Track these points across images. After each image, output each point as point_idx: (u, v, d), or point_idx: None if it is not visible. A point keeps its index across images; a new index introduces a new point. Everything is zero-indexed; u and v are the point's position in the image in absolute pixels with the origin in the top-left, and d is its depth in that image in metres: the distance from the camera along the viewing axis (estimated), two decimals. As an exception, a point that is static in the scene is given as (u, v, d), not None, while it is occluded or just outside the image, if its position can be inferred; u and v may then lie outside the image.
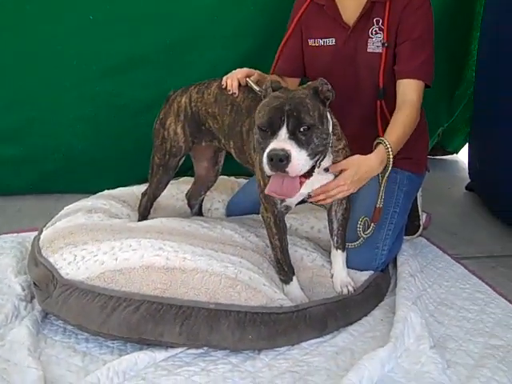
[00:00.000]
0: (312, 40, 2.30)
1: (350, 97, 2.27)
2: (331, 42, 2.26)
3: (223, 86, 2.09)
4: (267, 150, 1.58)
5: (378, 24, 2.17)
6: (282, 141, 1.58)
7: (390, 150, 1.94)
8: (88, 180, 3.06)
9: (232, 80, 2.07)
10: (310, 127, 1.62)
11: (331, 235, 2.05)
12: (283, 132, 1.60)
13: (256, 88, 2.01)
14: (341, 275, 2.02)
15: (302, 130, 1.61)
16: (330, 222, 2.04)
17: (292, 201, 1.89)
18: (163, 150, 2.22)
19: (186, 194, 2.53)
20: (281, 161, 1.56)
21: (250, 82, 2.05)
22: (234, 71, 2.11)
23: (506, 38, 2.67)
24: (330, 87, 1.77)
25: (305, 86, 1.79)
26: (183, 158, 2.27)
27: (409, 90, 2.13)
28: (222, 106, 2.06)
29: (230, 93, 2.06)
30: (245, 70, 2.09)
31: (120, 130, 3.01)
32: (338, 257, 2.05)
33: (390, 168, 1.97)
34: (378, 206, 2.08)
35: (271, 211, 1.89)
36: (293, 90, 1.73)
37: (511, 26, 2.63)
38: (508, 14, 2.66)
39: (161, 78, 2.88)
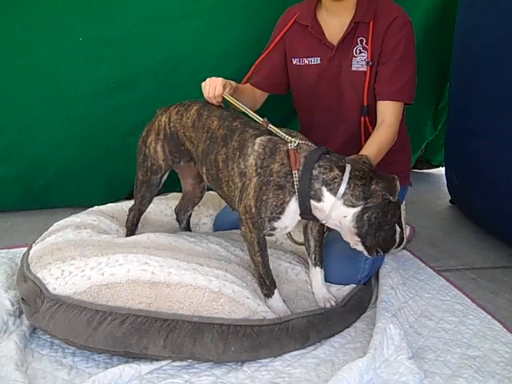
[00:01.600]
0: (296, 59, 2.36)
1: (335, 113, 2.34)
2: (316, 61, 2.31)
3: (204, 93, 2.13)
4: (398, 231, 1.89)
5: (361, 43, 2.23)
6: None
7: None
8: (78, 197, 3.09)
9: (209, 92, 2.11)
10: None
11: (308, 253, 2.10)
12: None
13: (232, 101, 2.08)
14: (322, 291, 2.06)
15: None
16: (307, 240, 2.09)
17: (280, 233, 1.99)
18: (145, 167, 2.27)
19: (175, 210, 2.57)
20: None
21: (227, 96, 2.10)
22: (212, 79, 2.14)
23: (475, 52, 2.73)
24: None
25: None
26: (165, 175, 2.30)
27: (388, 112, 2.19)
28: (198, 132, 2.10)
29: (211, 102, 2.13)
30: (221, 83, 2.11)
31: (109, 150, 3.04)
32: (318, 274, 2.09)
33: None
34: None
35: (256, 233, 1.92)
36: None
37: (479, 37, 2.68)
38: (477, 25, 2.71)
39: (149, 99, 2.90)
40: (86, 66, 2.84)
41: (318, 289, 2.08)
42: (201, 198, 2.50)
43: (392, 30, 2.19)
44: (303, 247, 2.36)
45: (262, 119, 2.00)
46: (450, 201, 3.37)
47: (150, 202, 2.36)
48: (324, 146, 1.89)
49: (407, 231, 2.69)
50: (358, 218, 1.80)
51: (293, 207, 1.85)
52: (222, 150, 2.00)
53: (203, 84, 2.16)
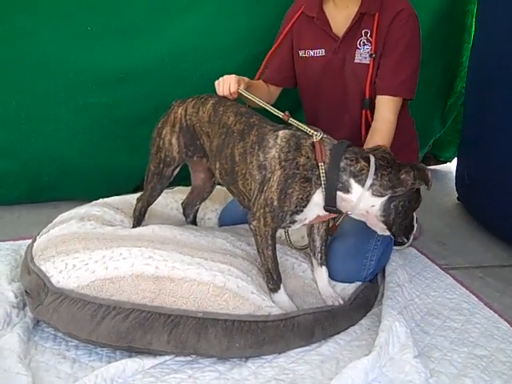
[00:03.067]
0: (302, 51, 2.35)
1: (339, 105, 2.33)
2: (321, 52, 2.30)
3: (218, 92, 2.15)
4: (416, 217, 1.98)
5: (366, 35, 2.22)
6: None
7: None
8: (83, 189, 3.08)
9: (224, 90, 2.14)
10: None
11: (314, 253, 2.10)
12: None
13: (249, 97, 2.10)
14: (328, 291, 2.06)
15: None
16: (312, 240, 2.09)
17: (297, 226, 1.98)
18: (158, 158, 2.25)
19: (182, 203, 2.55)
20: None
21: (244, 92, 2.13)
22: (224, 77, 2.16)
23: (496, 51, 2.69)
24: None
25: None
26: (178, 169, 2.29)
27: (387, 107, 2.18)
28: (214, 126, 2.10)
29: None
30: (235, 80, 2.13)
31: (115, 142, 3.03)
32: (323, 273, 2.09)
33: None
34: (336, 223, 2.19)
35: (272, 227, 1.91)
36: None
37: (501, 39, 2.65)
38: (498, 26, 2.69)
39: (156, 90, 2.89)
40: (93, 56, 2.83)
41: (325, 288, 2.07)
42: (210, 192, 2.49)
43: (397, 22, 2.18)
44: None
45: (282, 113, 2.00)
46: (458, 198, 3.34)
47: (159, 195, 2.35)
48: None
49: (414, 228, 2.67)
50: (386, 207, 1.84)
51: (316, 199, 1.86)
52: (239, 144, 1.99)
53: (217, 82, 2.17)
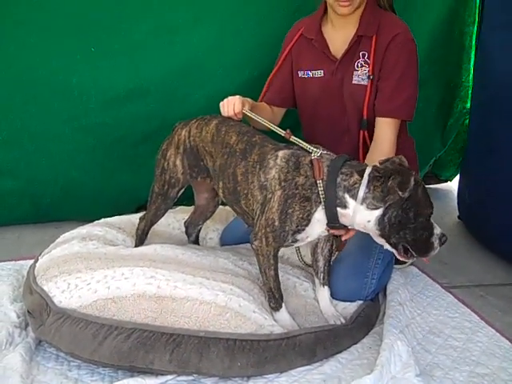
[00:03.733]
0: (301, 72, 2.39)
1: (338, 126, 2.36)
2: (319, 73, 2.34)
3: (223, 113, 2.18)
4: (439, 235, 1.84)
5: (364, 57, 2.25)
6: (436, 225, 1.85)
7: None
8: (86, 209, 3.08)
9: (228, 111, 2.16)
10: None
11: (316, 273, 2.11)
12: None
13: (253, 116, 2.14)
14: (330, 310, 2.07)
15: None
16: (316, 260, 2.10)
17: (299, 244, 1.99)
18: (162, 180, 2.27)
19: (185, 223, 2.56)
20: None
21: (248, 112, 2.16)
22: (229, 98, 2.18)
23: (499, 71, 2.72)
24: None
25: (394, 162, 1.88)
26: (182, 190, 2.30)
27: (386, 129, 2.21)
28: (216, 146, 2.11)
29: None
30: (239, 100, 2.16)
31: (118, 161, 3.04)
32: (325, 293, 2.10)
33: None
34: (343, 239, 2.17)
35: (274, 247, 1.92)
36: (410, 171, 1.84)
37: (504, 60, 2.68)
38: (501, 48, 2.71)
39: (160, 109, 2.92)
40: (97, 76, 2.87)
41: (327, 307, 2.08)
42: (213, 212, 2.50)
43: (393, 46, 2.20)
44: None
45: (284, 131, 2.03)
46: (458, 217, 3.34)
47: (163, 215, 2.37)
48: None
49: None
50: (380, 220, 1.80)
51: (318, 217, 1.87)
52: (241, 164, 2.00)
53: (221, 103, 2.20)
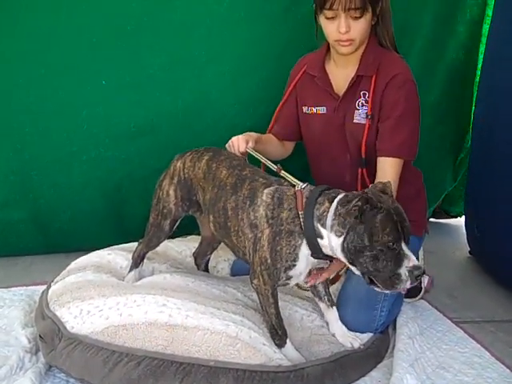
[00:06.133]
0: (306, 107, 2.42)
1: (340, 162, 2.38)
2: (322, 110, 2.36)
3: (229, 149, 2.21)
4: (409, 267, 1.70)
5: (364, 96, 2.26)
6: (412, 257, 1.72)
7: None
8: (94, 239, 3.04)
9: (235, 152, 2.21)
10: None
11: (320, 298, 2.11)
12: (405, 247, 1.72)
13: (253, 154, 2.17)
14: (343, 330, 2.07)
15: (408, 238, 1.75)
16: (314, 287, 2.09)
17: (295, 281, 1.97)
18: (157, 210, 2.29)
19: (194, 253, 2.59)
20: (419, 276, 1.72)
21: (250, 150, 2.19)
22: (233, 139, 2.23)
23: (500, 107, 2.73)
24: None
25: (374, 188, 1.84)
26: (177, 223, 2.30)
27: (387, 168, 2.20)
28: (208, 182, 2.13)
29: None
30: (242, 139, 2.20)
31: (127, 195, 3.03)
32: (334, 314, 2.10)
33: None
34: (340, 273, 2.21)
35: (271, 285, 1.92)
36: (382, 196, 1.77)
37: (504, 96, 2.70)
38: (502, 79, 2.74)
39: (171, 144, 2.84)
40: (107, 109, 2.86)
41: (339, 327, 2.08)
42: (220, 243, 2.51)
43: (391, 87, 2.21)
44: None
45: (275, 166, 2.05)
46: (469, 252, 3.34)
47: (156, 246, 2.37)
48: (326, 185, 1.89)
49: (425, 281, 2.67)
50: (342, 247, 1.74)
51: (305, 250, 1.85)
52: (231, 198, 2.01)
53: (227, 146, 2.25)
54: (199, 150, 2.27)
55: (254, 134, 2.29)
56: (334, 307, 2.10)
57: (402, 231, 1.71)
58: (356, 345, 2.02)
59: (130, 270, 2.36)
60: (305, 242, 1.84)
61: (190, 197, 2.23)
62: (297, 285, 2.29)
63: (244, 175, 2.03)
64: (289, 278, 1.91)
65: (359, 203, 1.68)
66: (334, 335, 2.08)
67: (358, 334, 2.13)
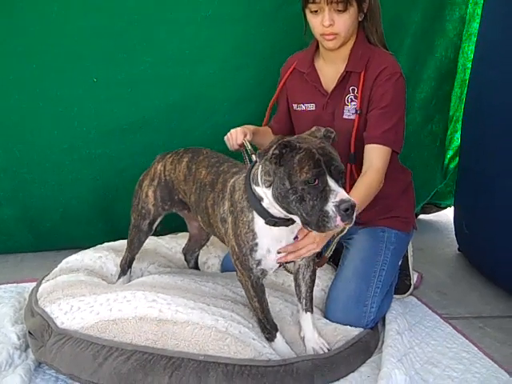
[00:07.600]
0: (296, 105, 2.44)
1: None
2: (311, 107, 2.39)
3: (229, 148, 2.24)
4: (336, 202, 1.59)
5: (353, 92, 2.28)
6: (340, 191, 1.61)
7: None
8: (85, 236, 3.06)
9: (233, 145, 2.24)
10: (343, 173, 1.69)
11: (299, 299, 2.08)
12: (332, 183, 1.62)
13: (248, 151, 2.18)
14: (314, 337, 2.03)
15: (341, 177, 1.66)
16: (298, 286, 2.07)
17: (269, 265, 1.91)
18: (137, 210, 2.31)
19: (183, 250, 2.61)
20: (349, 210, 1.59)
21: (247, 145, 2.21)
22: (231, 131, 2.25)
23: (490, 103, 2.75)
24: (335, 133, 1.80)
25: (313, 134, 1.78)
26: (156, 223, 2.32)
27: (374, 155, 2.19)
28: (189, 185, 2.15)
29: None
30: (240, 131, 2.23)
31: (118, 192, 3.02)
32: (309, 319, 2.06)
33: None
34: (326, 254, 2.20)
35: (247, 276, 1.92)
36: (312, 139, 1.72)
37: (495, 91, 2.71)
38: (492, 77, 2.75)
39: (162, 141, 2.89)
40: (98, 106, 2.86)
41: (310, 334, 2.04)
42: (207, 240, 2.54)
43: (380, 79, 2.23)
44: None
45: (255, 154, 2.05)
46: (458, 249, 3.36)
47: (138, 248, 2.37)
48: None
49: (415, 278, 2.69)
50: (274, 197, 1.71)
51: (259, 222, 1.82)
52: (210, 196, 2.02)
53: (226, 138, 2.27)
54: (179, 151, 2.28)
55: (251, 127, 2.32)
56: (309, 313, 2.06)
57: (328, 168, 1.63)
58: (320, 352, 1.98)
59: (119, 277, 2.38)
60: (255, 213, 1.81)
61: (172, 197, 2.25)
62: (285, 268, 2.24)
63: (221, 170, 2.04)
64: (258, 261, 1.87)
65: (277, 150, 1.65)
66: (302, 338, 2.06)
67: (348, 327, 2.14)
